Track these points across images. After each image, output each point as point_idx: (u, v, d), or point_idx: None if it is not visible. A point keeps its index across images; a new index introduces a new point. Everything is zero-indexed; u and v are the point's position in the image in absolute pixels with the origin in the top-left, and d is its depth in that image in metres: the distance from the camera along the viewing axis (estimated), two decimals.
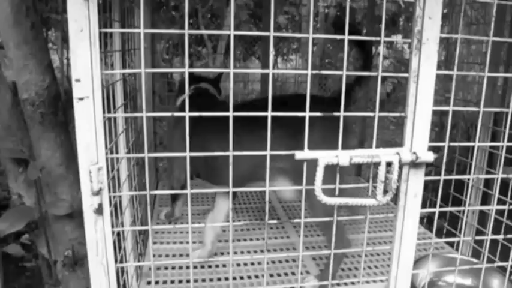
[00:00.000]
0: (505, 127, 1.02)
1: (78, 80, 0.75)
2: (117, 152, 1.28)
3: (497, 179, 1.06)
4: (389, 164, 0.84)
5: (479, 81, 2.25)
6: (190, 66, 5.61)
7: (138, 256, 1.59)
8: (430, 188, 2.04)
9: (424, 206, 0.94)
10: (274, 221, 0.97)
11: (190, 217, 0.86)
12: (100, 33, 0.76)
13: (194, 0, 5.01)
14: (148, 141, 2.22)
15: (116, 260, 1.10)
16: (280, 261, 1.62)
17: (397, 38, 5.50)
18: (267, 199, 0.89)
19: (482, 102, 0.95)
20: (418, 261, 1.42)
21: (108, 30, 0.84)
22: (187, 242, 1.77)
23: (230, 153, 0.81)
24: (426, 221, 2.46)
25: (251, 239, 1.81)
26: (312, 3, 0.78)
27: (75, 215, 1.50)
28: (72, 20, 0.73)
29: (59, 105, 1.44)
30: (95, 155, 0.79)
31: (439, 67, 0.85)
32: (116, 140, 1.22)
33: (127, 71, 1.21)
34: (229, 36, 0.76)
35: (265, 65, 2.52)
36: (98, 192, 0.80)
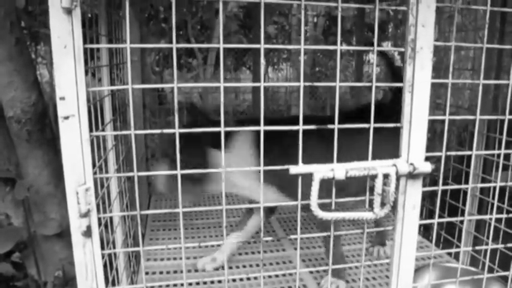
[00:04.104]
0: (499, 133, 1.00)
1: (62, 98, 0.72)
2: (106, 169, 1.25)
3: (495, 187, 1.04)
4: (386, 176, 0.82)
5: (470, 87, 2.25)
6: (181, 77, 5.59)
7: (131, 274, 1.55)
8: (425, 196, 2.02)
9: (420, 213, 0.92)
10: (270, 238, 0.94)
11: (183, 237, 0.83)
12: (86, 48, 0.73)
13: (183, 12, 5.00)
14: (140, 155, 2.19)
15: (107, 281, 1.07)
16: (277, 276, 1.59)
17: (388, 46, 5.53)
18: (261, 215, 0.86)
19: (478, 110, 0.93)
20: (416, 271, 1.39)
21: (94, 45, 0.82)
22: (181, 258, 1.73)
23: (223, 169, 0.79)
24: (423, 228, 2.44)
25: (246, 253, 1.78)
26: (303, 15, 0.77)
27: (65, 234, 1.46)
28: (55, 36, 0.70)
29: (46, 122, 1.41)
30: (82, 176, 0.76)
31: None
32: (105, 156, 1.19)
33: (113, 87, 1.18)
34: (219, 47, 0.74)
35: (256, 76, 2.51)
36: (86, 214, 0.77)
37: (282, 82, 6.15)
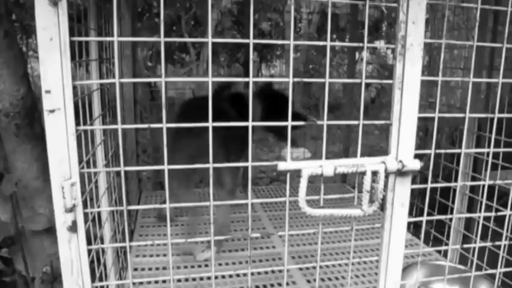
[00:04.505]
0: (490, 132, 1.00)
1: (48, 92, 0.71)
2: (95, 164, 1.24)
3: (484, 186, 1.05)
4: (375, 173, 0.82)
5: (462, 86, 2.25)
6: (174, 73, 5.57)
7: (120, 270, 1.55)
8: (416, 193, 2.03)
9: (410, 211, 0.92)
10: (258, 235, 0.94)
11: (169, 233, 0.83)
12: (74, 42, 0.72)
13: (177, 7, 4.97)
14: (130, 151, 2.18)
15: (95, 277, 1.06)
16: (266, 273, 1.58)
17: (380, 44, 5.54)
18: (249, 212, 0.86)
19: (468, 108, 0.93)
20: (405, 269, 1.39)
21: (80, 38, 0.80)
22: (172, 255, 1.73)
23: (210, 165, 0.78)
24: (413, 226, 2.44)
25: (236, 250, 1.78)
26: (292, 10, 0.76)
27: (54, 230, 1.44)
28: (41, 28, 0.69)
29: (35, 116, 1.39)
30: (67, 170, 0.75)
31: (422, 72, 0.83)
32: (94, 151, 1.18)
33: (101, 81, 1.17)
34: (211, 43, 0.73)
35: (247, 72, 2.50)
36: (71, 209, 0.76)
37: (274, 78, 6.14)
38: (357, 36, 2.60)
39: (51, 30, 0.69)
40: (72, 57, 0.72)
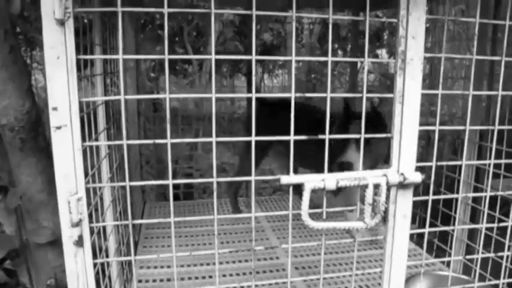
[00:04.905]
0: (492, 142, 1.01)
1: (55, 109, 0.73)
2: (99, 177, 1.25)
3: (486, 197, 1.05)
4: (377, 186, 0.83)
5: (463, 96, 2.26)
6: (176, 83, 5.59)
7: (125, 282, 1.55)
8: (418, 203, 2.02)
9: (413, 221, 0.92)
10: (261, 247, 0.95)
11: (174, 246, 0.84)
12: (79, 59, 0.74)
13: (179, 19, 5.01)
14: (134, 163, 2.19)
15: None
16: (270, 284, 1.58)
17: (381, 54, 5.56)
18: (253, 224, 0.87)
19: (468, 120, 0.94)
20: (408, 280, 1.39)
21: (86, 56, 0.82)
22: (176, 266, 1.73)
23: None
24: (416, 236, 2.44)
25: (240, 261, 1.78)
26: (293, 27, 0.77)
27: (58, 243, 1.45)
28: (48, 47, 0.71)
29: (39, 130, 1.41)
30: (74, 185, 0.76)
31: (423, 81, 0.85)
32: (99, 165, 1.19)
33: (106, 98, 1.19)
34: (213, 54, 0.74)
35: (249, 84, 2.52)
36: (77, 224, 0.78)
37: (276, 89, 6.16)
38: (359, 45, 2.62)
39: (58, 48, 0.71)
40: (77, 69, 0.73)
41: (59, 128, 0.73)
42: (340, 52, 5.88)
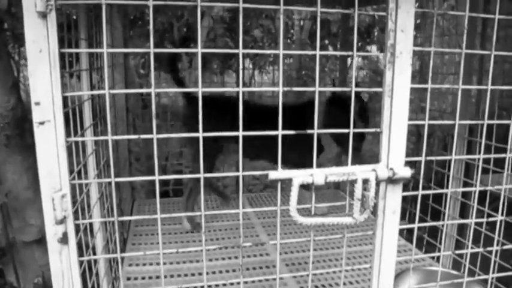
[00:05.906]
0: (481, 137, 1.01)
1: (38, 104, 0.71)
2: (86, 174, 1.23)
3: (475, 192, 1.05)
4: (366, 181, 0.82)
5: (453, 92, 2.27)
6: (167, 80, 5.56)
7: (113, 280, 1.53)
8: (409, 199, 2.03)
9: (403, 217, 0.92)
10: (249, 244, 0.94)
11: (161, 243, 0.82)
12: (63, 53, 0.72)
13: (169, 15, 4.97)
14: (123, 160, 2.17)
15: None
16: (260, 281, 1.58)
17: (372, 50, 5.57)
18: (241, 221, 0.86)
19: (457, 115, 0.94)
20: (398, 275, 1.39)
21: (70, 50, 0.81)
22: (164, 263, 1.72)
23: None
24: (406, 231, 2.45)
25: (229, 258, 1.77)
26: (281, 20, 0.76)
27: (45, 241, 1.44)
28: (30, 41, 0.69)
29: (25, 127, 1.39)
30: (58, 182, 0.75)
31: (413, 77, 0.84)
32: (85, 162, 1.17)
33: (91, 92, 1.17)
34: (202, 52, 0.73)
35: (239, 80, 2.50)
36: (62, 221, 0.76)
37: (267, 85, 6.15)
38: (349, 41, 2.61)
39: (40, 42, 0.69)
40: (63, 67, 0.72)
41: (42, 123, 0.72)
42: (330, 48, 5.88)
